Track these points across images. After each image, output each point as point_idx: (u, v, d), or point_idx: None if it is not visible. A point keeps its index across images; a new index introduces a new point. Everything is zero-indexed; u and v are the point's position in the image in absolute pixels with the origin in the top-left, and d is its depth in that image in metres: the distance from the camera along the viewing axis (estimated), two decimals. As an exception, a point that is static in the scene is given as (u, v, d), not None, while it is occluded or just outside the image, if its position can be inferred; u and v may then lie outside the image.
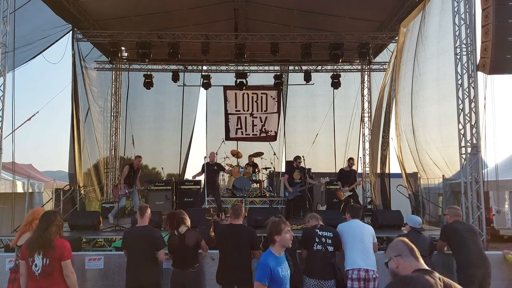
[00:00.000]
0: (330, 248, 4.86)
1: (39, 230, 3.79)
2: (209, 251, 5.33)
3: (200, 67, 15.06)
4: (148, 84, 14.11)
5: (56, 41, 10.79)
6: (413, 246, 2.54)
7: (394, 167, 11.61)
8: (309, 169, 11.54)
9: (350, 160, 10.19)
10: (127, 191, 9.26)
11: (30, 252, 3.71)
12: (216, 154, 12.65)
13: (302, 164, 10.04)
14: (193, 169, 33.71)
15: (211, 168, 9.61)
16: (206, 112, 16.00)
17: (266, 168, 13.01)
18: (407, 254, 2.47)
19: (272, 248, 3.54)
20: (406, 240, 2.59)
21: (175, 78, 14.37)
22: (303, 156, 10.24)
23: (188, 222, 5.09)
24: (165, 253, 5.04)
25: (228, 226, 5.04)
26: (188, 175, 15.20)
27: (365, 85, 15.07)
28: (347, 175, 9.93)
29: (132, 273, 4.80)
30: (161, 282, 5.07)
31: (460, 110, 7.72)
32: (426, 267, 2.39)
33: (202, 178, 9.91)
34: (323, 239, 4.85)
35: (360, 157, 14.88)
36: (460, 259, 5.07)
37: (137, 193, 9.71)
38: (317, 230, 4.91)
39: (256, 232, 5.09)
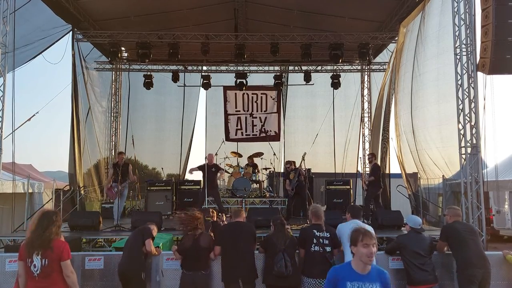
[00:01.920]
0: (328, 248, 4.88)
1: (38, 230, 3.77)
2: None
3: (200, 67, 15.07)
4: (148, 84, 14.11)
5: (56, 41, 10.81)
6: None
7: (394, 167, 11.65)
8: (309, 169, 11.55)
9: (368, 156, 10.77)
10: (116, 189, 9.05)
11: (28, 252, 3.70)
12: (216, 155, 12.69)
13: (293, 166, 10.23)
14: (193, 169, 33.65)
15: (210, 170, 9.61)
16: (206, 112, 16.04)
17: (266, 169, 13.02)
18: None
19: (353, 259, 3.04)
20: None
21: (175, 78, 14.38)
22: (303, 157, 10.28)
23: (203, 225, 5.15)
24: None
25: (229, 224, 5.22)
26: (188, 175, 15.23)
27: (365, 85, 15.07)
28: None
29: (121, 261, 5.15)
30: (143, 273, 5.10)
31: (460, 110, 7.72)
32: None
33: (200, 178, 9.93)
34: (321, 240, 4.86)
35: (360, 157, 14.87)
36: (460, 259, 5.06)
37: (126, 190, 9.39)
38: (314, 231, 4.92)
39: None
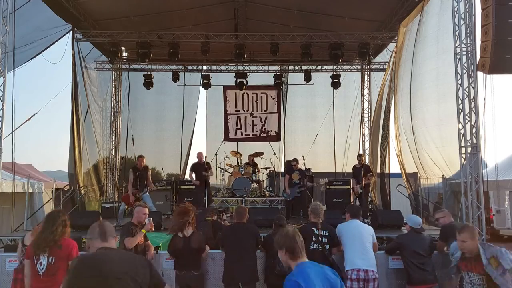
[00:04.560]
0: (327, 246, 4.90)
1: (44, 232, 3.79)
2: (210, 251, 5.33)
3: (200, 67, 15.05)
4: (148, 84, 14.09)
5: (56, 41, 10.82)
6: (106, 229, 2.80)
7: (394, 167, 11.64)
8: (309, 169, 11.54)
9: (358, 157, 10.42)
10: (134, 197, 8.45)
11: (35, 252, 3.72)
12: (216, 155, 12.70)
13: (300, 166, 10.12)
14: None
15: (202, 167, 9.76)
16: (206, 112, 16.04)
17: (266, 168, 13.00)
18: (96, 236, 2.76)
19: None
20: (103, 223, 2.89)
21: (175, 78, 14.36)
22: (303, 156, 10.26)
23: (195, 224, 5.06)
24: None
25: (232, 226, 5.19)
26: (188, 175, 15.22)
27: (365, 85, 15.07)
28: (357, 172, 10.11)
29: None
30: None
31: (460, 110, 7.72)
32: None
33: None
34: (320, 238, 4.88)
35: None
36: (459, 259, 5.06)
37: (149, 196, 8.79)
38: (313, 229, 4.93)
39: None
